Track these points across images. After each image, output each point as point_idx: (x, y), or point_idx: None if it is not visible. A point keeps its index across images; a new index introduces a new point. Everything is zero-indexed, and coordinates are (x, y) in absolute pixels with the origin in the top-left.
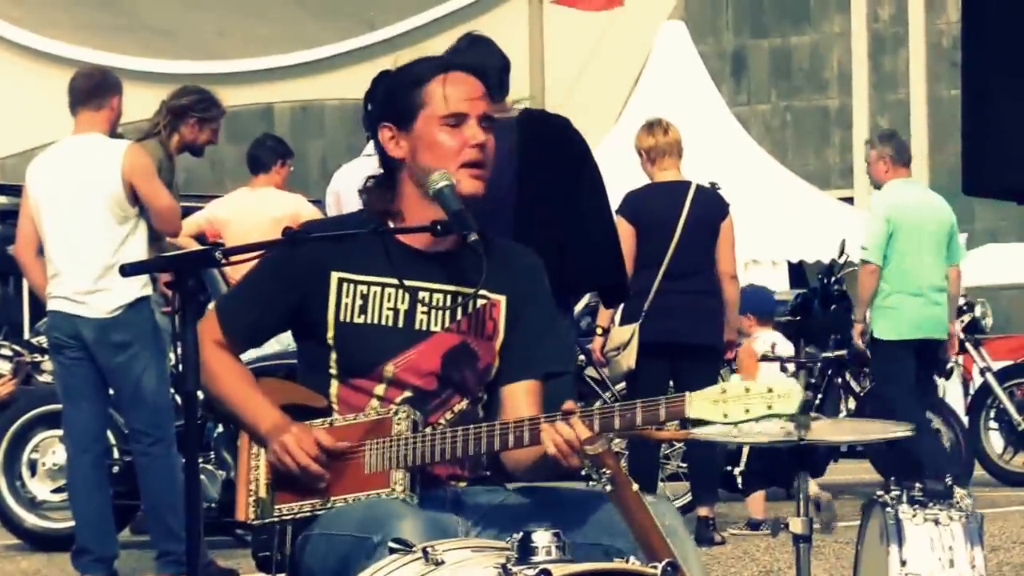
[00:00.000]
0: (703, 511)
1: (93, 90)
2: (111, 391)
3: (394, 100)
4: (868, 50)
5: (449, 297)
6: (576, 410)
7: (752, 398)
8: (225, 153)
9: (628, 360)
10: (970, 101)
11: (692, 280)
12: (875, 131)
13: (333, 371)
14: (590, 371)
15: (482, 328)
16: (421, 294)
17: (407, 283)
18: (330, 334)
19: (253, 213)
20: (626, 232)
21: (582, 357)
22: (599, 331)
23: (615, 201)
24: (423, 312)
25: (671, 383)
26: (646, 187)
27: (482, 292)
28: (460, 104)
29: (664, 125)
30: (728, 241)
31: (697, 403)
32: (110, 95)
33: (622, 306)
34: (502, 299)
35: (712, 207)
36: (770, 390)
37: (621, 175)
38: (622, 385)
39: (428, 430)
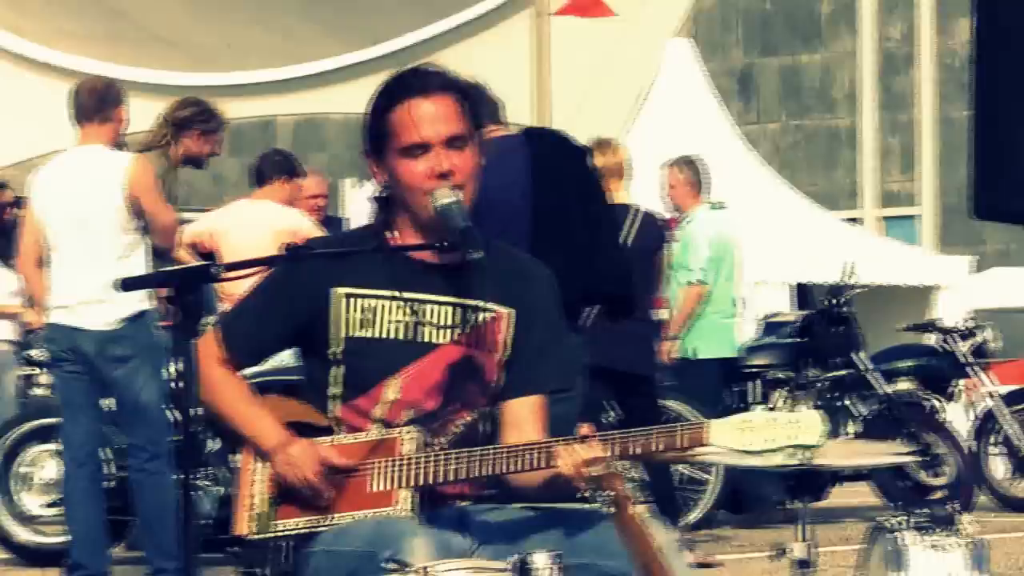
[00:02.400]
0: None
1: (98, 103)
2: (110, 405)
3: (367, 132)
4: (877, 69)
5: (454, 310)
6: (594, 434)
7: (777, 428)
8: (226, 166)
9: None
10: (980, 123)
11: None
12: (885, 152)
13: (337, 391)
14: None
15: (487, 341)
16: (426, 307)
17: (411, 296)
18: (338, 349)
19: (252, 225)
20: None
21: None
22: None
23: None
24: (428, 325)
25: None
26: None
27: (488, 305)
28: (420, 133)
29: (613, 145)
30: (662, 268)
31: (719, 431)
32: (115, 107)
33: None
34: (508, 312)
35: (652, 234)
36: (796, 422)
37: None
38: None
39: (435, 451)
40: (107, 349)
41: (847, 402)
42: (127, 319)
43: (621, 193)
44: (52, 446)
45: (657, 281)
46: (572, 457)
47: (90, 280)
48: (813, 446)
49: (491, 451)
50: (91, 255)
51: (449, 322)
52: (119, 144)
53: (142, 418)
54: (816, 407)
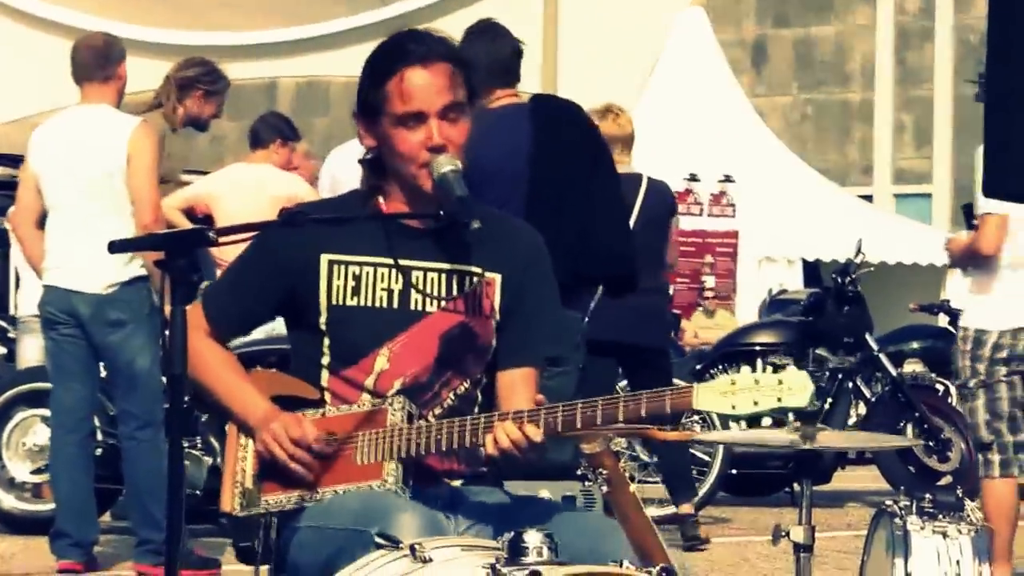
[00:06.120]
0: (684, 508)
1: (99, 61)
2: (104, 371)
3: (361, 95)
4: (893, 43)
5: (444, 276)
6: (541, 408)
7: (762, 390)
8: (226, 128)
9: None
10: (994, 100)
11: (641, 277)
12: (899, 128)
13: (325, 361)
14: None
15: (479, 307)
16: (415, 274)
17: (401, 262)
18: (323, 318)
19: (248, 189)
20: None
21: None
22: None
23: None
24: (418, 292)
25: (624, 383)
26: None
27: (478, 270)
28: (416, 103)
29: (616, 111)
30: (675, 237)
31: (704, 395)
32: (116, 64)
33: None
34: (498, 277)
35: (662, 202)
36: (780, 382)
37: (637, 165)
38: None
39: (423, 422)
40: (102, 312)
41: (855, 383)
42: (124, 283)
43: (627, 162)
44: (41, 411)
45: (666, 252)
46: (499, 439)
47: (87, 242)
48: (800, 408)
49: (476, 420)
50: (90, 217)
51: (440, 289)
52: (120, 104)
53: (135, 385)
54: (821, 390)
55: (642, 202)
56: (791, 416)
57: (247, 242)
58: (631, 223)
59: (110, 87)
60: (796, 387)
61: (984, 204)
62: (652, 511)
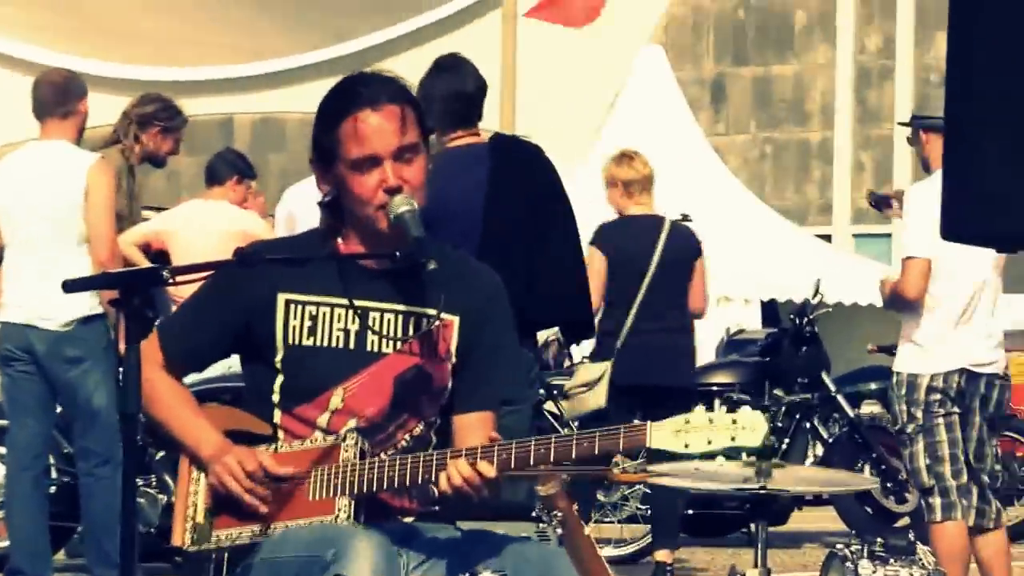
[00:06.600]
0: (661, 555)
1: (60, 97)
2: (60, 408)
3: (315, 140)
4: (853, 83)
5: (401, 317)
6: (495, 444)
7: (715, 429)
8: (182, 164)
9: (597, 399)
10: (953, 140)
11: (665, 318)
12: (858, 167)
13: (278, 398)
14: (549, 406)
15: (435, 349)
16: (372, 315)
17: (357, 303)
18: (278, 357)
19: (203, 226)
20: (599, 263)
21: (542, 391)
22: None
23: (587, 232)
24: (374, 334)
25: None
26: (620, 219)
27: (436, 312)
28: (370, 146)
29: (630, 155)
30: (700, 280)
31: (658, 433)
32: (77, 100)
33: (593, 343)
34: (455, 319)
35: (686, 244)
36: (735, 421)
37: (595, 204)
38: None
39: (376, 459)
40: (59, 349)
41: (812, 424)
42: (80, 320)
43: (649, 205)
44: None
45: (690, 292)
46: (452, 477)
47: (44, 278)
48: (754, 447)
49: (429, 458)
50: (47, 253)
51: (396, 331)
52: (80, 139)
53: (93, 422)
54: (778, 429)
55: (664, 244)
56: (745, 455)
57: (200, 281)
58: (652, 265)
59: (70, 123)
60: (750, 426)
61: (908, 247)
62: (607, 552)
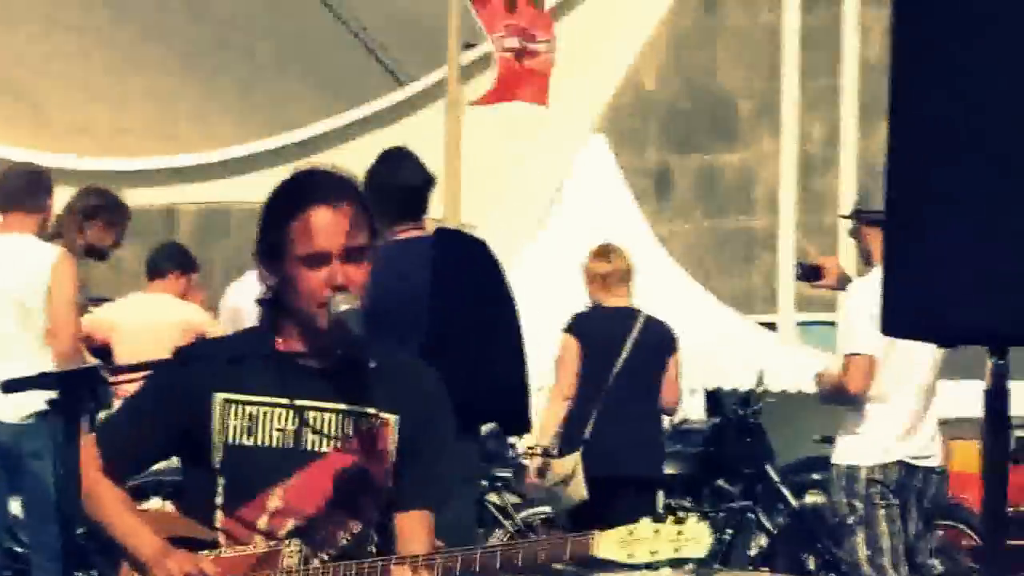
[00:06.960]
0: None
1: (29, 191)
2: (18, 504)
3: (261, 235)
4: (798, 171)
5: (340, 416)
6: (437, 553)
7: (661, 540)
8: (126, 253)
9: (578, 491)
10: (893, 236)
11: (634, 407)
12: (803, 255)
13: (219, 500)
14: (492, 497)
15: (375, 448)
16: (311, 414)
17: (296, 402)
18: (217, 458)
19: (144, 318)
20: (574, 350)
21: (484, 482)
22: (531, 452)
23: (535, 319)
24: (313, 433)
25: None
26: (595, 309)
27: (374, 411)
28: (320, 243)
29: (611, 250)
30: (674, 375)
31: (604, 543)
32: (45, 196)
33: (561, 433)
34: (394, 418)
35: (659, 338)
36: (680, 533)
37: (540, 294)
38: (526, 513)
39: (316, 562)
40: (19, 443)
41: (756, 516)
42: (39, 414)
43: (626, 297)
44: None
45: (663, 387)
46: None
47: (2, 371)
48: (699, 559)
49: (374, 565)
50: (7, 344)
51: (335, 429)
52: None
53: (51, 517)
54: (722, 519)
55: (636, 336)
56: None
57: (141, 381)
58: (623, 353)
59: (34, 217)
60: (695, 537)
61: (851, 344)
62: None
